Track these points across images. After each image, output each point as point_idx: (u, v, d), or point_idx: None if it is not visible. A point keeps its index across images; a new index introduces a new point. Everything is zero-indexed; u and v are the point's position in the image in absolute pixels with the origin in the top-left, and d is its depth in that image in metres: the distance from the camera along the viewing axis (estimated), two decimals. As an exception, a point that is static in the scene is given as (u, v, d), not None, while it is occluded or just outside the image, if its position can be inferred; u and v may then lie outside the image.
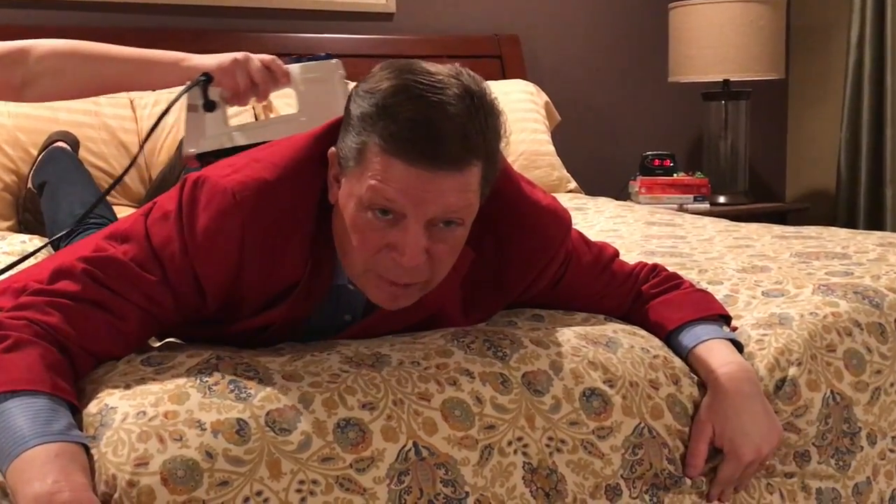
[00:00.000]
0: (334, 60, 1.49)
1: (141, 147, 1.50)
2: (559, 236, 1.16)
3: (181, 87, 1.45)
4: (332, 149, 1.04)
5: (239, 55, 1.44)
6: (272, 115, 1.74)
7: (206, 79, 1.44)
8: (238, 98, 1.46)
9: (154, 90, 1.55)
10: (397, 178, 0.94)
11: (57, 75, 1.42)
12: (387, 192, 0.95)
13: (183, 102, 1.49)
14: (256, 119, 2.24)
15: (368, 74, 1.01)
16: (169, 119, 2.35)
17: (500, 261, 1.14)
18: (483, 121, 0.96)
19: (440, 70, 0.97)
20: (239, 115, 2.13)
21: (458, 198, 0.96)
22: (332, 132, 1.06)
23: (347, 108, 1.01)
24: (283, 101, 2.00)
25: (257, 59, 1.45)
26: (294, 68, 1.48)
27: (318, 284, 1.07)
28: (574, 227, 1.21)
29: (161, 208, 1.04)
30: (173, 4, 2.72)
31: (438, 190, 0.95)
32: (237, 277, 1.03)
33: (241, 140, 1.47)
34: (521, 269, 1.16)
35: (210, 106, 1.47)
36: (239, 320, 1.07)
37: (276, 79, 1.46)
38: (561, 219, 1.16)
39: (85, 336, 0.98)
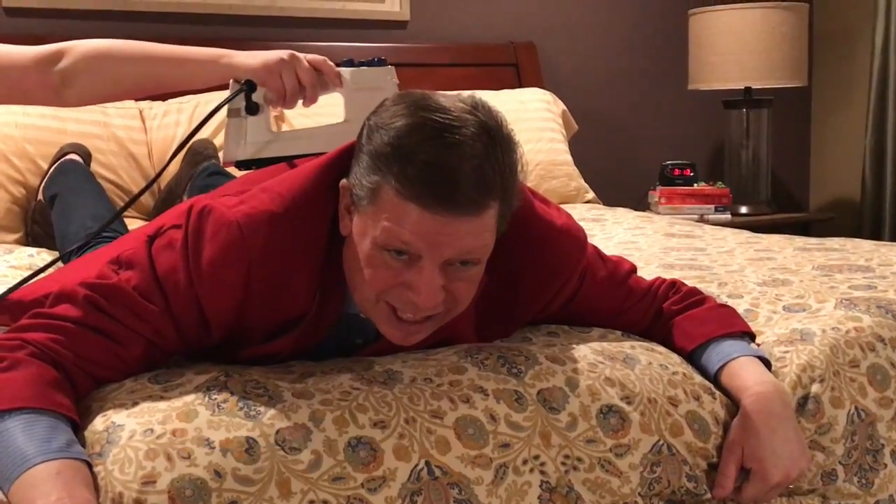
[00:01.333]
0: (389, 67, 1.41)
1: (173, 155, 1.38)
2: (574, 257, 1.14)
3: (209, 94, 1.38)
4: (344, 181, 1.02)
5: (285, 54, 1.36)
6: (284, 127, 1.68)
7: (249, 87, 1.37)
8: (283, 101, 1.37)
9: (193, 88, 1.48)
10: (413, 222, 0.93)
11: (93, 75, 1.39)
12: (402, 235, 0.94)
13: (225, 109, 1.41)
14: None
15: (381, 107, 0.99)
16: (178, 131, 2.34)
17: (515, 283, 1.12)
18: (500, 158, 0.95)
19: (455, 105, 0.95)
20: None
21: (474, 239, 0.95)
22: (341, 160, 1.04)
23: (360, 141, 0.99)
24: (297, 111, 1.98)
25: (306, 59, 1.37)
26: (346, 72, 1.40)
27: (327, 315, 1.06)
28: (590, 240, 1.19)
29: (167, 236, 1.03)
30: (185, 13, 2.73)
31: (455, 234, 0.94)
32: (242, 309, 1.02)
33: (284, 150, 1.40)
34: (536, 291, 1.14)
35: (253, 109, 1.38)
36: (246, 348, 1.06)
37: (325, 82, 1.38)
38: (576, 239, 1.14)
39: (83, 359, 0.97)
